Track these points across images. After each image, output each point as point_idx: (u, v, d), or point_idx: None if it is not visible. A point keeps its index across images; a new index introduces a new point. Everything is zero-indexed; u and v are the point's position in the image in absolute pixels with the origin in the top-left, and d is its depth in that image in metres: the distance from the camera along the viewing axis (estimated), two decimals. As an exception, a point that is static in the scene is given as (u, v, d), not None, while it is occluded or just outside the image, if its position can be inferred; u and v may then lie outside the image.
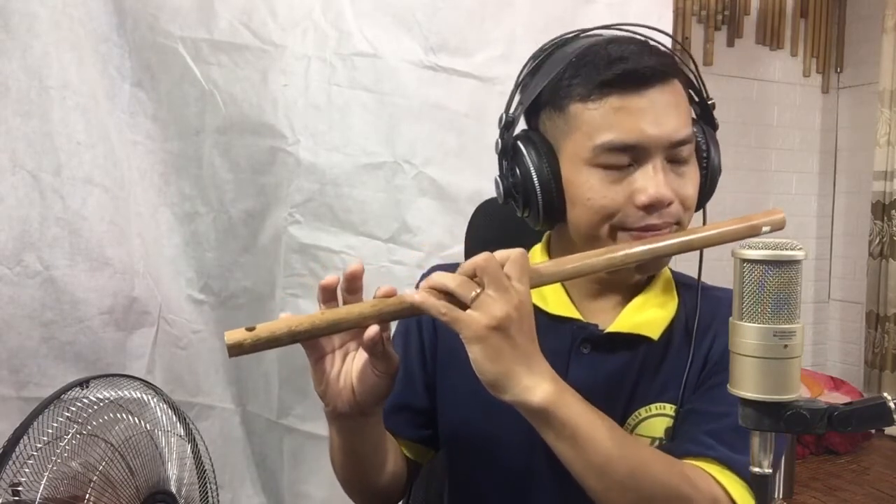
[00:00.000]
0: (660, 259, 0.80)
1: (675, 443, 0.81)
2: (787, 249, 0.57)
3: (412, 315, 0.71)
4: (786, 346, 0.56)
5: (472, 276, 0.69)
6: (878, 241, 3.57)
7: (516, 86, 0.86)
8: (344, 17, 1.65)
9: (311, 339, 0.71)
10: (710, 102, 0.86)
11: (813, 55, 3.84)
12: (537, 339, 0.71)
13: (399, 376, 0.90)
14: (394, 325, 0.97)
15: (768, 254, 0.56)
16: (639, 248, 0.76)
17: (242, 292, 1.71)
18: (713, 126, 0.86)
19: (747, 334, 0.57)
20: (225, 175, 1.66)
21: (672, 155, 0.79)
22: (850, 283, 3.94)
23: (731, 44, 3.61)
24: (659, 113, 0.78)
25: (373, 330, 0.69)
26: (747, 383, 0.57)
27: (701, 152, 0.84)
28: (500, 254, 0.70)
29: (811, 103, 3.93)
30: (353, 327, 0.71)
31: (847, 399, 3.21)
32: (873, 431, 3.41)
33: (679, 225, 0.80)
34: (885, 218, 3.52)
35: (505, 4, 1.74)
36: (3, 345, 1.39)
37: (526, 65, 0.87)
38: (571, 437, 0.70)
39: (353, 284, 0.71)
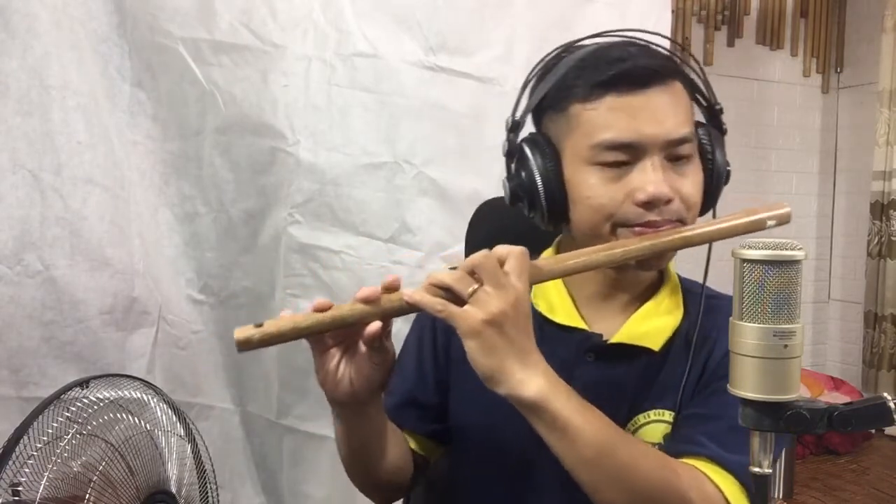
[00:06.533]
0: (661, 255, 0.81)
1: (670, 444, 0.82)
2: (787, 249, 0.57)
3: (412, 312, 0.74)
4: (786, 346, 0.56)
5: (472, 274, 0.71)
6: (876, 240, 3.56)
7: (523, 88, 0.87)
8: (344, 17, 1.65)
9: (316, 335, 0.74)
10: (717, 107, 0.87)
11: (813, 55, 3.84)
12: (535, 338, 0.72)
13: (411, 373, 0.95)
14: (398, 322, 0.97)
15: (768, 254, 0.57)
16: (639, 245, 0.77)
17: (242, 292, 1.71)
18: (720, 130, 0.87)
19: (747, 334, 0.57)
20: (225, 175, 1.66)
21: (671, 153, 0.80)
22: (849, 283, 3.93)
23: (731, 44, 3.61)
24: (656, 112, 0.79)
25: (374, 327, 0.72)
26: (747, 383, 0.58)
27: (705, 154, 0.84)
28: (500, 251, 0.72)
29: (811, 103, 3.92)
30: (356, 324, 0.73)
31: (847, 399, 3.21)
32: (873, 431, 3.41)
33: (681, 223, 0.81)
34: (884, 218, 3.52)
35: (505, 4, 1.74)
36: (3, 345, 1.39)
37: (534, 68, 0.87)
38: (563, 429, 0.71)
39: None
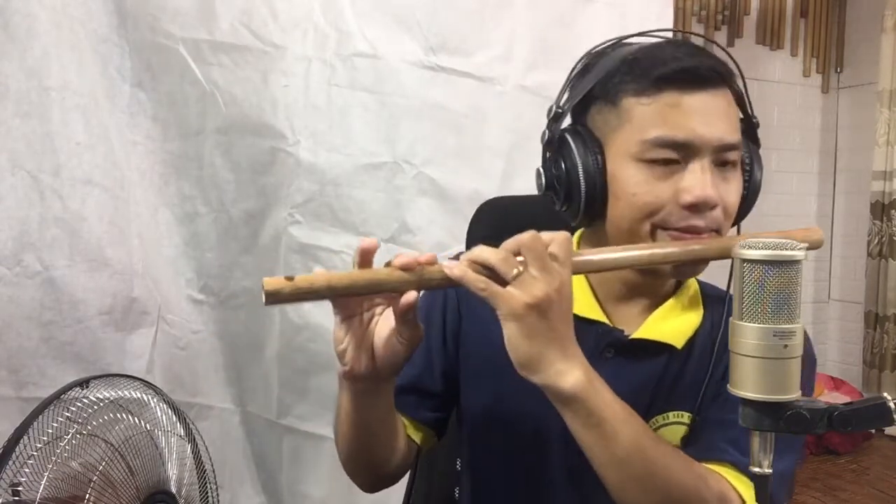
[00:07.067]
0: (698, 263, 0.80)
1: (691, 448, 0.81)
2: (787, 249, 0.56)
3: (450, 286, 0.70)
4: (786, 346, 0.56)
5: (516, 254, 0.68)
6: (876, 240, 3.56)
7: (567, 80, 0.86)
8: (344, 18, 1.65)
9: (347, 297, 0.70)
10: (755, 121, 0.86)
11: (813, 55, 3.84)
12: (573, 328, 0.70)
13: (419, 359, 0.91)
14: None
15: (768, 254, 0.56)
16: (678, 248, 0.77)
17: (242, 292, 1.71)
18: (757, 144, 0.86)
19: (747, 334, 0.57)
20: (225, 175, 1.66)
21: (719, 158, 0.79)
22: (849, 283, 3.94)
23: (731, 44, 3.61)
24: (710, 114, 0.78)
25: (411, 296, 0.68)
26: (747, 383, 0.57)
27: (745, 166, 0.84)
28: (546, 235, 0.69)
29: (811, 103, 3.92)
30: (391, 291, 0.69)
31: (847, 399, 3.21)
32: (873, 431, 3.41)
33: (718, 233, 0.80)
34: (885, 218, 3.52)
35: (505, 4, 1.74)
36: (3, 345, 1.39)
37: (579, 61, 0.86)
38: (597, 426, 0.69)
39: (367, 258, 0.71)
